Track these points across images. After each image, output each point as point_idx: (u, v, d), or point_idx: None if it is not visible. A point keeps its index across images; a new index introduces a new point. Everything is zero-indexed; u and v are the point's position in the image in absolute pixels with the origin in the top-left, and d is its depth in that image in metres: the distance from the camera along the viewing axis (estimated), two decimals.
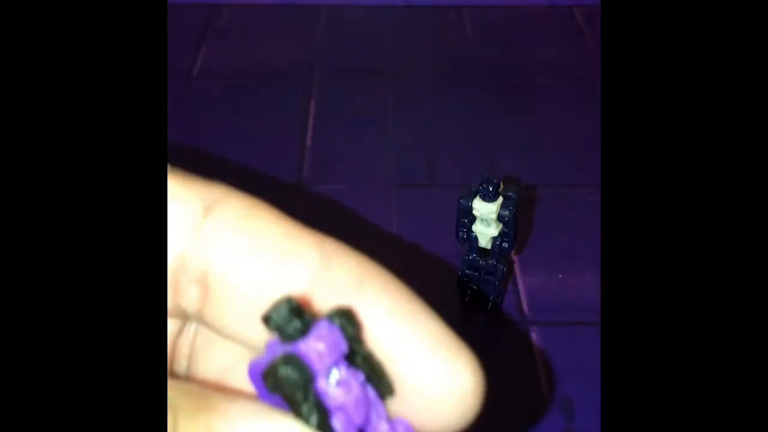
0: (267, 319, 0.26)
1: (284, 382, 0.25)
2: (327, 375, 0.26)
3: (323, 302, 0.27)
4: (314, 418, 0.25)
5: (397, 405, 0.27)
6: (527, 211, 0.60)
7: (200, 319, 0.29)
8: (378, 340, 0.27)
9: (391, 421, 0.27)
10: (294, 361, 0.25)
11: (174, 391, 0.25)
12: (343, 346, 0.26)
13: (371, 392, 0.27)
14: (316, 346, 0.25)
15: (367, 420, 0.27)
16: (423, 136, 0.69)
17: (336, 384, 0.26)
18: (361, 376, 0.27)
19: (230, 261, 0.27)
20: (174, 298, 0.28)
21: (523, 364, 0.50)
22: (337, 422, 0.26)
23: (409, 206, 0.61)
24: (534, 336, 0.52)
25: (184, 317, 0.29)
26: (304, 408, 0.25)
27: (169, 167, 0.28)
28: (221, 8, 0.87)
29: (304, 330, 0.26)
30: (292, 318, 0.26)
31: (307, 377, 0.26)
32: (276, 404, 0.26)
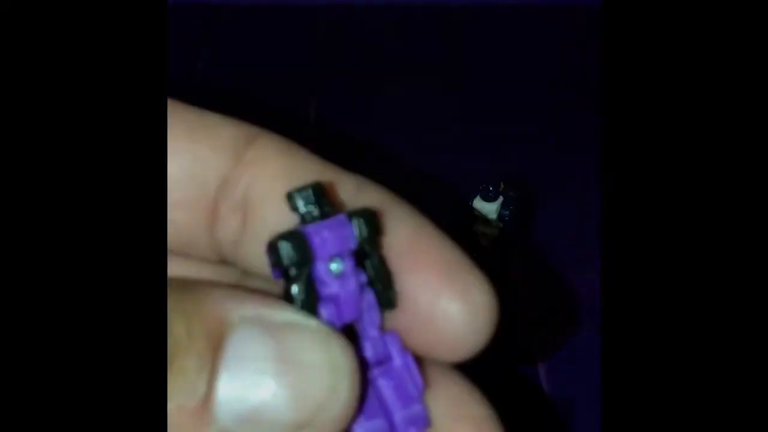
0: (290, 196, 0.26)
1: (282, 256, 0.25)
2: (327, 263, 0.26)
3: (335, 189, 0.27)
4: (300, 298, 0.25)
5: (409, 323, 0.27)
6: (527, 210, 0.60)
7: (233, 254, 0.28)
8: (396, 257, 0.27)
9: (382, 331, 0.27)
10: (296, 237, 0.25)
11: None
12: (352, 242, 0.26)
13: (370, 297, 0.27)
14: (322, 231, 0.26)
15: (356, 320, 0.27)
16: (423, 136, 0.69)
17: (333, 274, 0.26)
18: (363, 278, 0.26)
19: (271, 188, 0.27)
20: (211, 226, 0.28)
21: (523, 364, 0.50)
22: (323, 310, 0.26)
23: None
24: (534, 335, 0.52)
25: (217, 252, 0.29)
26: (294, 286, 0.25)
27: (206, 111, 0.28)
28: (221, 8, 0.87)
29: (321, 217, 0.26)
30: (313, 202, 0.26)
31: (304, 256, 0.25)
32: (278, 277, 0.26)
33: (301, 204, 0.26)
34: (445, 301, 0.26)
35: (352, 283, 0.26)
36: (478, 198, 0.50)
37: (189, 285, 0.24)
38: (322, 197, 0.26)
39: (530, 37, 0.83)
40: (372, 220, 0.27)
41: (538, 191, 0.62)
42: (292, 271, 0.25)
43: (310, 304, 0.26)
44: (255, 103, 0.72)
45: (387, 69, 0.78)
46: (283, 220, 0.27)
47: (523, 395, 0.49)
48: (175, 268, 0.29)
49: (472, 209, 0.50)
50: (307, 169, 0.28)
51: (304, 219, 0.26)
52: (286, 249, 0.25)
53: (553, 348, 0.51)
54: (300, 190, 0.26)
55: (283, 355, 0.24)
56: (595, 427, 0.47)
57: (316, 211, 0.26)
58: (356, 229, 0.26)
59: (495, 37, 0.83)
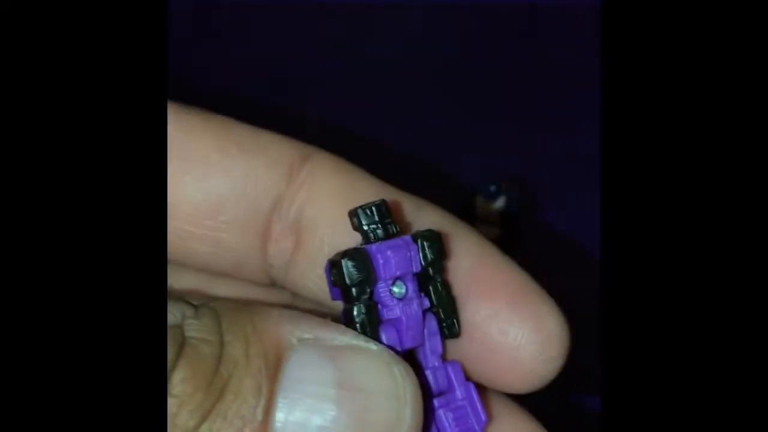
0: (353, 213, 0.25)
1: (344, 274, 0.24)
2: (389, 284, 0.25)
3: (401, 207, 0.26)
4: (361, 320, 0.24)
5: (479, 345, 0.26)
6: (528, 210, 0.60)
7: (284, 278, 0.28)
8: (467, 276, 0.26)
9: (445, 360, 0.26)
10: (359, 257, 0.25)
11: (216, 302, 0.24)
12: (416, 265, 0.25)
13: (432, 323, 0.26)
14: (386, 252, 0.25)
15: (417, 346, 0.26)
16: (423, 135, 0.69)
17: (395, 296, 0.25)
18: (426, 303, 0.26)
19: (326, 206, 0.27)
20: (263, 249, 0.27)
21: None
22: (384, 334, 0.25)
23: None
24: None
25: (268, 275, 0.28)
26: (356, 307, 0.24)
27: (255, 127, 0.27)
28: (221, 7, 0.87)
29: (384, 236, 0.25)
30: (377, 221, 0.25)
31: (367, 276, 0.25)
32: (336, 298, 0.25)
33: (364, 222, 0.25)
34: (516, 330, 0.25)
35: (414, 307, 0.25)
36: (479, 197, 0.50)
37: (245, 306, 0.24)
38: (387, 216, 0.25)
39: (530, 36, 0.83)
40: (438, 242, 0.26)
41: (538, 191, 0.62)
42: (354, 291, 0.25)
43: (372, 326, 0.25)
44: (254, 102, 0.72)
45: (387, 69, 0.78)
46: (339, 242, 0.26)
47: (523, 395, 0.49)
48: (225, 289, 0.28)
49: (474, 209, 0.50)
50: (364, 189, 0.27)
51: (368, 238, 0.25)
52: (348, 267, 0.24)
53: None
54: (364, 207, 0.25)
55: (343, 380, 0.22)
56: (595, 427, 0.46)
57: (380, 230, 0.25)
58: (421, 252, 0.25)
59: (495, 36, 0.83)
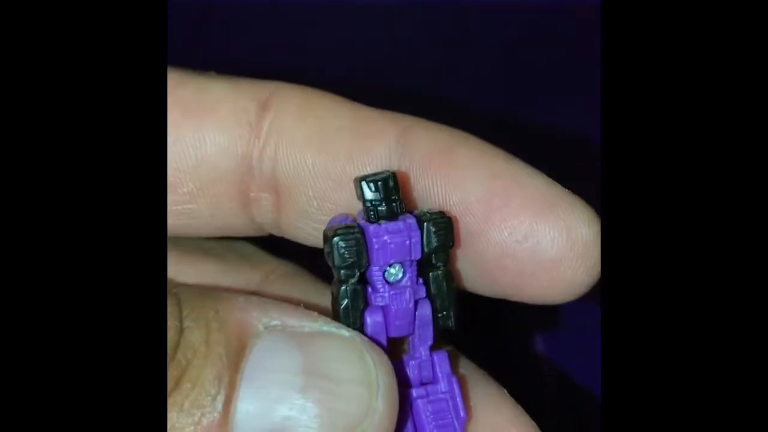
0: (357, 182, 0.23)
1: (334, 255, 0.23)
2: (383, 269, 0.24)
3: (408, 178, 0.24)
4: (345, 304, 0.23)
5: (514, 274, 0.24)
6: None
7: (279, 230, 0.26)
8: (482, 205, 0.24)
9: (432, 351, 0.25)
10: (355, 235, 0.23)
11: (179, 287, 0.23)
12: (416, 251, 0.23)
13: (427, 311, 0.24)
14: (384, 235, 0.23)
15: (405, 335, 0.24)
16: None
17: (388, 281, 0.24)
18: (423, 291, 0.24)
19: (300, 156, 0.25)
20: (245, 210, 0.26)
21: (524, 364, 0.50)
22: (369, 319, 0.23)
23: None
24: (535, 336, 0.51)
25: (261, 230, 0.26)
26: (342, 288, 0.23)
27: (212, 74, 0.25)
28: (221, 7, 0.87)
29: (387, 212, 0.24)
30: (382, 198, 0.23)
31: (358, 261, 0.23)
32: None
33: (368, 196, 0.23)
34: (548, 251, 0.23)
35: (406, 297, 0.24)
36: None
37: (209, 292, 0.22)
38: (393, 192, 0.24)
39: (530, 35, 0.82)
40: (446, 229, 0.24)
41: None
42: (342, 274, 0.23)
43: (355, 311, 0.23)
44: None
45: (386, 69, 0.77)
46: (325, 190, 0.24)
47: (523, 396, 0.49)
48: (192, 274, 0.27)
49: None
50: (339, 125, 0.24)
51: (368, 214, 0.24)
52: (340, 248, 0.23)
53: (553, 348, 0.51)
54: (368, 180, 0.23)
55: (310, 367, 0.21)
56: (595, 427, 0.46)
57: (382, 208, 0.23)
58: (425, 237, 0.24)
59: (495, 36, 0.83)
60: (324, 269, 0.26)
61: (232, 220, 0.26)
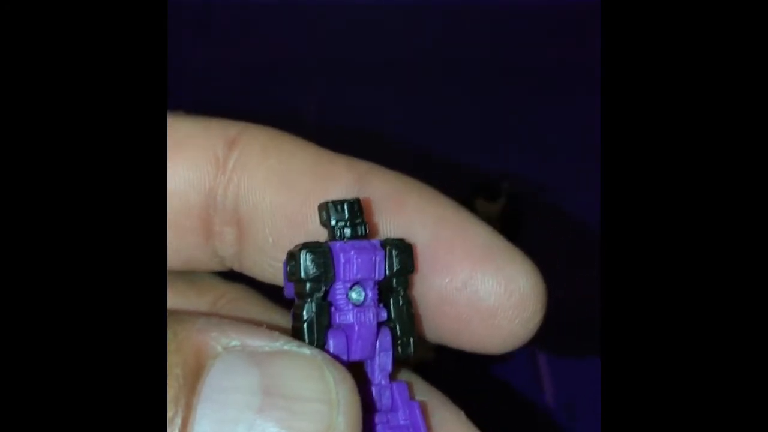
0: (323, 207, 0.24)
1: (300, 268, 0.23)
2: (348, 287, 0.24)
3: (371, 206, 0.24)
4: (309, 319, 0.23)
5: (452, 320, 0.24)
6: (528, 210, 0.60)
7: (239, 265, 0.26)
8: (427, 251, 0.24)
9: (392, 379, 0.25)
10: (320, 251, 0.23)
11: None
12: (380, 272, 0.24)
13: (386, 338, 0.24)
14: (350, 251, 0.23)
15: (366, 359, 0.24)
16: (424, 135, 0.69)
17: (352, 301, 0.23)
18: (383, 315, 0.24)
19: (261, 192, 0.25)
20: (209, 243, 0.26)
21: (524, 364, 0.50)
22: (332, 340, 0.23)
23: None
24: (535, 336, 0.52)
25: (222, 264, 0.26)
26: (306, 305, 0.23)
27: (181, 114, 0.25)
28: (221, 6, 0.87)
29: (352, 237, 0.24)
30: (347, 219, 0.24)
31: (324, 273, 0.23)
32: (290, 295, 0.24)
33: (333, 218, 0.24)
34: (487, 299, 0.23)
35: (370, 317, 0.24)
36: (479, 197, 0.49)
37: (169, 313, 0.22)
38: (358, 216, 0.24)
39: (529, 34, 0.82)
40: (407, 254, 0.24)
41: (538, 191, 0.62)
42: (308, 287, 0.23)
43: (319, 327, 0.23)
44: (254, 102, 0.72)
45: (386, 69, 0.78)
46: (281, 228, 0.25)
47: (524, 395, 0.49)
48: None
49: (474, 209, 0.50)
50: (300, 166, 0.25)
51: (333, 235, 0.24)
52: (306, 260, 0.23)
53: (553, 349, 0.51)
54: (335, 203, 0.24)
55: (269, 386, 0.21)
56: (595, 427, 0.46)
57: (348, 229, 0.24)
58: (387, 260, 0.24)
59: (495, 36, 0.83)
60: (278, 297, 0.26)
61: (196, 252, 0.26)
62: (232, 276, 0.29)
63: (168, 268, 0.26)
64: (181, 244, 0.26)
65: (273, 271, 0.26)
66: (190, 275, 0.27)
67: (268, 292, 0.28)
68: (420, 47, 0.82)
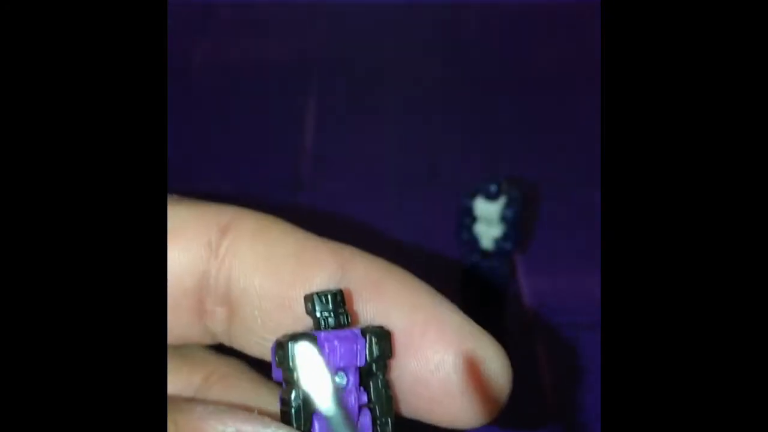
0: (308, 298, 0.26)
1: (288, 357, 0.25)
2: (331, 374, 0.25)
3: (352, 297, 0.27)
4: (297, 405, 0.25)
5: (426, 400, 0.26)
6: (529, 210, 0.60)
7: (229, 341, 0.28)
8: (402, 335, 0.26)
9: None
10: (308, 339, 0.25)
11: None
12: (361, 359, 0.26)
13: (367, 419, 0.26)
14: (333, 341, 0.25)
15: None
16: (423, 135, 0.69)
17: (335, 388, 0.25)
18: (365, 398, 0.26)
19: (250, 276, 0.27)
20: (201, 321, 0.28)
21: (525, 364, 0.50)
22: (317, 423, 0.25)
23: (409, 206, 0.61)
24: (536, 336, 0.52)
25: (213, 339, 0.29)
26: (293, 392, 0.25)
27: (177, 198, 0.28)
28: (220, 6, 0.87)
29: (335, 326, 0.26)
30: (331, 310, 0.25)
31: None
32: (278, 379, 0.26)
33: (318, 308, 0.26)
34: (456, 382, 0.26)
35: (351, 401, 0.25)
36: (479, 197, 0.49)
37: (169, 402, 0.24)
38: (340, 306, 0.26)
39: (529, 34, 0.83)
40: (386, 341, 0.26)
41: (538, 191, 0.62)
42: (295, 376, 0.25)
43: (306, 413, 0.25)
44: (254, 102, 0.72)
45: (386, 69, 0.78)
46: (269, 311, 0.27)
47: (524, 395, 0.49)
48: None
49: (474, 209, 0.50)
50: (286, 252, 0.27)
51: (318, 324, 0.26)
52: (294, 351, 0.25)
53: (552, 349, 0.51)
54: (320, 294, 0.26)
55: None
56: (595, 428, 0.46)
57: (331, 319, 0.26)
58: (368, 347, 0.26)
59: (495, 36, 0.83)
60: (265, 368, 0.28)
61: (190, 330, 0.29)
62: (222, 348, 0.31)
63: None
64: (176, 322, 0.29)
65: (261, 349, 0.28)
66: (182, 349, 0.30)
67: (256, 362, 0.30)
68: (419, 46, 0.82)
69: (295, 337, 0.25)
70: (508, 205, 0.49)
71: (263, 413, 0.25)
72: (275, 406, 0.26)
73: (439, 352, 0.26)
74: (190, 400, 0.26)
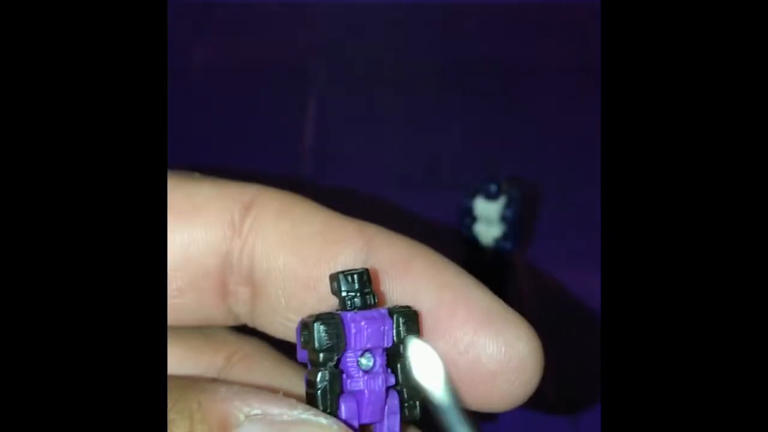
0: (334, 278, 0.25)
1: (314, 338, 0.24)
2: (358, 355, 0.25)
3: (378, 276, 0.26)
4: (323, 387, 0.24)
5: (455, 380, 0.26)
6: (529, 210, 0.60)
7: (252, 322, 0.28)
8: (430, 316, 0.26)
9: None
10: (333, 323, 0.25)
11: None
12: (388, 340, 0.25)
13: (394, 401, 0.26)
14: (360, 322, 0.25)
15: (375, 423, 0.26)
16: (423, 135, 0.69)
17: (361, 368, 0.25)
18: (392, 380, 0.26)
19: (274, 255, 0.26)
20: (224, 302, 0.27)
21: None
22: (344, 405, 0.25)
23: (409, 206, 0.61)
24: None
25: (237, 320, 0.28)
26: (320, 373, 0.24)
27: (199, 176, 0.27)
28: (220, 6, 0.87)
29: (362, 305, 0.25)
30: (357, 290, 0.25)
31: (337, 344, 0.24)
32: (303, 360, 0.25)
33: (344, 288, 0.25)
34: (487, 362, 0.25)
35: (379, 383, 0.25)
36: (479, 197, 0.49)
37: (193, 382, 0.24)
38: (366, 286, 0.25)
39: (530, 34, 0.82)
40: (413, 321, 0.25)
41: (538, 191, 0.62)
42: (321, 357, 0.24)
43: (332, 395, 0.25)
44: (254, 102, 0.72)
45: (386, 68, 0.78)
46: (292, 290, 0.26)
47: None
48: (176, 366, 0.28)
49: (473, 209, 0.50)
50: (311, 230, 0.26)
51: (344, 304, 0.25)
52: (320, 331, 0.24)
53: (552, 350, 0.51)
54: (345, 273, 0.25)
55: None
56: (596, 428, 0.46)
57: (357, 299, 0.25)
58: (395, 328, 0.25)
59: (494, 36, 0.83)
60: (288, 349, 0.28)
61: (212, 311, 0.28)
62: (245, 329, 0.30)
63: (185, 325, 0.27)
64: (199, 303, 0.28)
65: (284, 329, 0.28)
66: (205, 330, 0.29)
67: (279, 344, 0.30)
68: (419, 46, 0.82)
69: (321, 317, 0.25)
70: (508, 205, 0.49)
71: (288, 395, 0.24)
72: (300, 388, 0.26)
73: (469, 333, 0.25)
74: (214, 381, 0.25)
